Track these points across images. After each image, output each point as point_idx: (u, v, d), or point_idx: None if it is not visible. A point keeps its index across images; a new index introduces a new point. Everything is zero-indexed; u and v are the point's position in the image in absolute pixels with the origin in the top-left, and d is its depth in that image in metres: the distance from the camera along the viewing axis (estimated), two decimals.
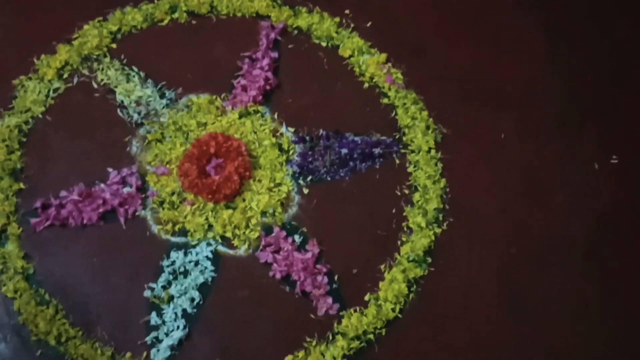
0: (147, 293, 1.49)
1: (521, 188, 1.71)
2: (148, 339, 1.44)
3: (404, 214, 1.64)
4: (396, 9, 1.93)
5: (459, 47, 1.89)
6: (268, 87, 1.75)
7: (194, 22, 1.84)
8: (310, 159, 1.69)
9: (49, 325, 1.43)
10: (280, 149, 1.69)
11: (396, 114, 1.76)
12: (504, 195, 1.70)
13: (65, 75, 1.73)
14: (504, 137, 1.77)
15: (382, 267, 1.57)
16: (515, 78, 1.86)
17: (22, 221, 1.55)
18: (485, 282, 1.59)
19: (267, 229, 1.59)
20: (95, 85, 1.72)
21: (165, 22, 1.82)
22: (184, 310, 1.48)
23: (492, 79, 1.86)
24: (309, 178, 1.67)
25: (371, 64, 1.81)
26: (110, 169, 1.61)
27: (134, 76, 1.73)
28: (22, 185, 1.58)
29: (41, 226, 1.54)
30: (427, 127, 1.74)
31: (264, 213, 1.61)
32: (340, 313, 1.51)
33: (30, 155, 1.63)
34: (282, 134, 1.72)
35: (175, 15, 1.83)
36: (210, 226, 1.58)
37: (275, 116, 1.73)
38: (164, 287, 1.50)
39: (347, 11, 1.89)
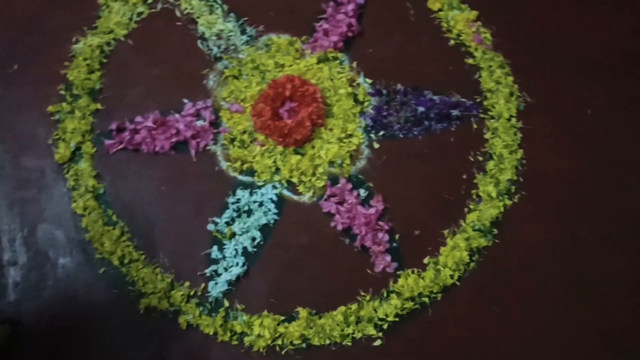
0: (210, 227, 1.51)
1: (601, 167, 1.63)
2: (207, 271, 1.47)
3: (475, 181, 1.59)
4: None
5: (557, 11, 1.79)
6: (350, 34, 1.70)
7: None
8: (384, 114, 1.64)
9: (114, 246, 1.47)
10: (356, 100, 1.65)
11: (480, 76, 1.69)
12: (582, 174, 1.62)
13: (150, 0, 1.72)
14: (590, 113, 1.68)
15: (445, 232, 1.54)
16: (613, 49, 1.75)
17: (97, 141, 1.58)
18: (550, 260, 1.54)
19: (333, 179, 1.58)
20: (178, 14, 1.71)
21: None
22: (245, 248, 1.50)
23: (588, 48, 1.75)
24: (381, 133, 1.63)
25: (460, 21, 1.73)
26: (185, 100, 1.61)
27: (217, 8, 1.70)
28: (99, 106, 1.61)
29: (114, 148, 1.56)
30: (511, 94, 1.67)
31: (331, 163, 1.59)
32: (397, 272, 1.50)
33: (109, 76, 1.64)
34: (358, 84, 1.67)
35: None
36: (277, 169, 1.58)
37: (354, 65, 1.69)
38: (227, 223, 1.51)
39: None
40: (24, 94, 1.61)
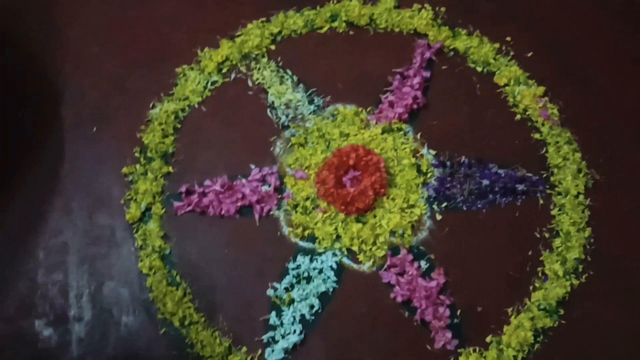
0: (270, 292, 1.52)
1: None
2: (265, 337, 1.47)
3: (541, 258, 1.55)
4: (563, 39, 1.83)
5: (629, 85, 1.76)
6: (415, 106, 1.73)
7: (351, 32, 1.85)
8: (448, 185, 1.64)
9: (176, 307, 1.49)
10: (419, 170, 1.66)
11: (547, 152, 1.67)
12: None
13: (224, 70, 1.80)
14: None
15: (509, 310, 1.50)
16: None
17: (166, 203, 1.63)
18: (621, 345, 1.46)
19: (394, 250, 1.57)
20: (250, 84, 1.78)
21: (324, 29, 1.85)
22: (302, 315, 1.50)
23: None
24: (444, 204, 1.62)
25: (527, 96, 1.73)
26: (252, 166, 1.66)
27: (287, 79, 1.77)
28: (170, 169, 1.67)
29: (182, 210, 1.61)
30: (579, 170, 1.64)
31: (393, 233, 1.59)
32: (458, 350, 1.46)
33: (182, 141, 1.71)
34: (422, 155, 1.68)
35: (335, 24, 1.85)
36: (338, 237, 1.58)
37: (418, 136, 1.71)
38: (286, 289, 1.52)
39: (508, 38, 1.82)
40: (101, 155, 1.70)
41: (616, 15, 1.88)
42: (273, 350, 1.46)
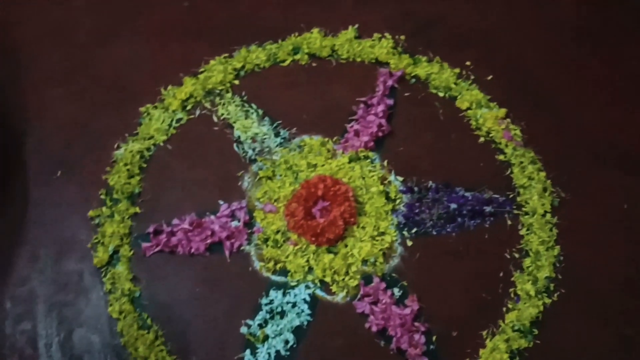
0: (243, 329, 1.50)
1: None
2: None
3: (512, 279, 1.56)
4: (522, 62, 1.87)
5: (589, 105, 1.80)
6: (380, 134, 1.74)
7: (314, 64, 1.87)
8: (417, 211, 1.65)
9: (148, 351, 1.46)
10: (387, 197, 1.66)
11: (512, 172, 1.69)
12: (625, 270, 1.57)
13: (189, 107, 1.80)
14: (627, 207, 1.65)
15: (484, 333, 1.50)
16: None
17: (134, 244, 1.61)
18: None
19: (367, 278, 1.56)
20: (215, 119, 1.78)
21: (287, 62, 1.87)
22: (277, 351, 1.48)
23: (623, 141, 1.75)
24: (414, 230, 1.63)
25: (489, 118, 1.76)
26: (221, 202, 1.65)
27: (252, 113, 1.78)
28: (138, 210, 1.65)
29: (151, 251, 1.59)
30: (544, 189, 1.66)
31: (365, 261, 1.58)
32: None
33: (149, 180, 1.70)
34: (390, 182, 1.69)
35: (297, 56, 1.87)
36: (310, 269, 1.58)
37: (385, 163, 1.72)
38: (260, 326, 1.50)
39: (468, 62, 1.86)
40: (66, 199, 1.67)
41: (572, 40, 1.93)
42: None
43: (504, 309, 1.53)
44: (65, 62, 1.89)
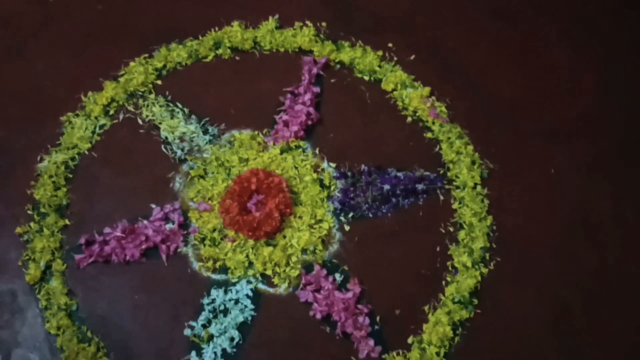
0: (187, 332, 1.48)
1: (573, 225, 1.64)
2: None
3: (449, 252, 1.59)
4: (441, 42, 1.91)
5: (506, 79, 1.86)
6: (310, 122, 1.74)
7: (237, 58, 1.85)
8: (351, 195, 1.66)
9: None
10: (322, 185, 1.67)
11: (440, 149, 1.72)
12: (555, 234, 1.63)
13: (112, 112, 1.76)
14: (554, 172, 1.71)
15: (426, 308, 1.52)
16: (568, 109, 1.81)
17: (67, 257, 1.57)
18: (535, 325, 1.52)
19: (308, 267, 1.57)
20: (140, 122, 1.75)
21: (209, 58, 1.84)
22: (224, 350, 1.46)
23: (542, 110, 1.81)
24: (351, 214, 1.64)
25: (414, 98, 1.78)
26: (153, 205, 1.62)
27: (178, 112, 1.75)
28: (67, 222, 1.61)
29: (85, 262, 1.55)
30: (473, 162, 1.70)
31: (304, 250, 1.59)
32: (383, 356, 1.47)
33: (76, 191, 1.65)
34: (323, 170, 1.70)
35: (220, 51, 1.85)
36: (250, 263, 1.57)
37: (317, 151, 1.72)
38: (204, 326, 1.49)
39: (390, 44, 1.88)
40: None
41: (491, 17, 1.97)
42: None
43: (443, 282, 1.56)
44: None
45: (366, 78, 1.82)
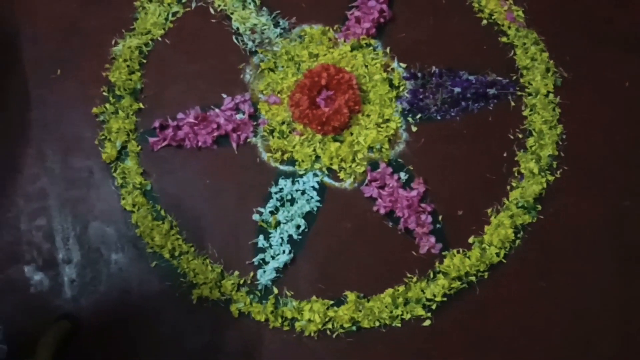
0: (255, 217, 1.53)
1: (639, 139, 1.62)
2: (255, 260, 1.50)
3: (516, 158, 1.59)
4: None
5: None
6: (382, 20, 1.71)
7: None
8: (421, 96, 1.65)
9: (164, 240, 1.50)
10: (391, 85, 1.66)
11: (515, 54, 1.69)
12: (623, 146, 1.61)
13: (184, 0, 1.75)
14: (628, 85, 1.67)
15: (489, 211, 1.55)
16: None
17: (141, 139, 1.61)
18: (596, 234, 1.53)
19: (373, 165, 1.59)
20: (212, 11, 1.74)
21: None
22: (290, 236, 1.52)
23: (624, 22, 1.74)
24: (419, 116, 1.64)
25: (491, 0, 1.72)
26: (224, 95, 1.64)
27: (249, 3, 1.73)
28: (141, 105, 1.64)
29: (159, 145, 1.60)
30: (547, 70, 1.66)
31: (370, 148, 1.60)
32: (443, 253, 1.51)
33: (150, 76, 1.68)
34: (393, 69, 1.68)
35: None
36: (317, 157, 1.60)
37: (388, 50, 1.70)
38: (271, 213, 1.54)
39: None
40: (68, 98, 1.66)
41: None
42: (265, 271, 1.49)
43: (508, 187, 1.57)
44: None
45: None
